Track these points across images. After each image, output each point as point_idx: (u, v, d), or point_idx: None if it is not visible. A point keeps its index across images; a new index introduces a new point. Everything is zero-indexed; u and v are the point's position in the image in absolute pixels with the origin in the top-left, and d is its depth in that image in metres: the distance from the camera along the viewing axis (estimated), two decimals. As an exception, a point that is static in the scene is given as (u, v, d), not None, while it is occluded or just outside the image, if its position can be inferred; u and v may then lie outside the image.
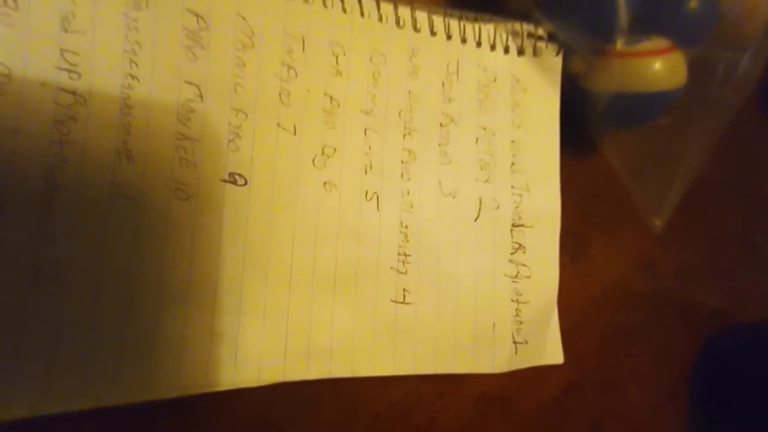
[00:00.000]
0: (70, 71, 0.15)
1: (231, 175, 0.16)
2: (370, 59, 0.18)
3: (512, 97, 0.20)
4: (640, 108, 0.20)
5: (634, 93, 0.20)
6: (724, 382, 0.27)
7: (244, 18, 0.17)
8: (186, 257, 0.16)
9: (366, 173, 0.18)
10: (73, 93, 0.15)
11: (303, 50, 0.17)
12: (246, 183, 0.16)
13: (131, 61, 0.15)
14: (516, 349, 0.19)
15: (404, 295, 0.18)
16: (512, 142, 0.20)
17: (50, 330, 0.14)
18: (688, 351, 0.27)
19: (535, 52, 0.21)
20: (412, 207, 0.19)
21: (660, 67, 0.20)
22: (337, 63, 0.18)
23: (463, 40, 0.20)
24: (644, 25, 0.19)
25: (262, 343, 0.16)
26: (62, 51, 0.14)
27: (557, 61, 0.21)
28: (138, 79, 0.15)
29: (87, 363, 0.14)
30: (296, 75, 0.17)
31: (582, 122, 0.21)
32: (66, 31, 0.14)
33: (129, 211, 0.15)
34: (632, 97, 0.20)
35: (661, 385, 0.26)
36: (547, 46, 0.21)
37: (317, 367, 0.17)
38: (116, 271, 0.15)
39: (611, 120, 0.21)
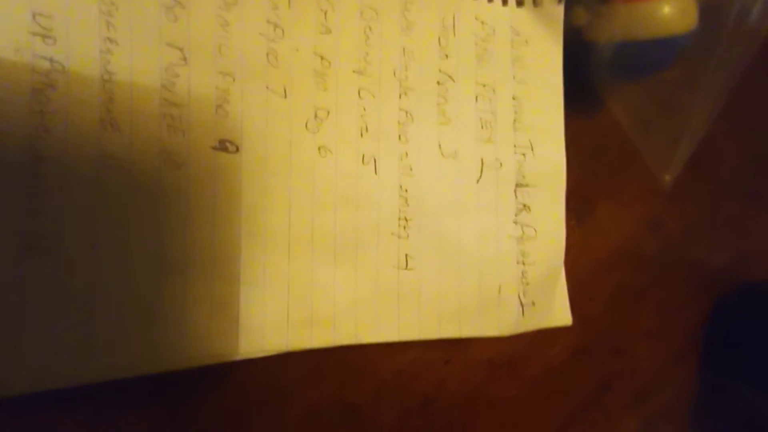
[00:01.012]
0: (44, 36, 0.14)
1: (221, 142, 0.16)
2: (361, 14, 0.18)
3: (512, 51, 0.19)
4: (649, 56, 0.19)
5: (642, 40, 0.19)
6: (733, 343, 0.26)
7: (225, -27, 0.16)
8: (180, 227, 0.15)
9: (362, 136, 0.17)
10: (50, 59, 0.14)
11: (289, 6, 0.17)
12: (237, 150, 0.16)
13: (108, 23, 0.15)
14: (523, 311, 0.19)
15: (406, 261, 0.18)
16: (513, 98, 0.19)
17: (48, 305, 0.14)
18: (697, 312, 0.26)
19: (535, 2, 0.20)
20: (411, 170, 0.18)
21: (669, 10, 0.18)
22: (325, 19, 0.17)
23: (459, -8, 0.19)
24: (652, -35, 0.18)
25: (264, 312, 0.16)
26: (34, 14, 0.14)
27: (559, 11, 0.20)
28: (117, 43, 0.15)
29: (88, 336, 0.14)
30: (283, 34, 0.17)
31: (586, 78, 0.20)
32: None
33: (119, 182, 0.15)
34: (640, 45, 0.19)
35: (670, 346, 0.26)
36: (548, -5, 0.20)
37: (321, 336, 0.17)
38: (111, 243, 0.14)
39: (618, 72, 0.20)
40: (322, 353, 0.18)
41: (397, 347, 0.19)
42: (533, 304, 0.19)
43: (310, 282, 0.17)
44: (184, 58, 0.15)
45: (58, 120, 0.14)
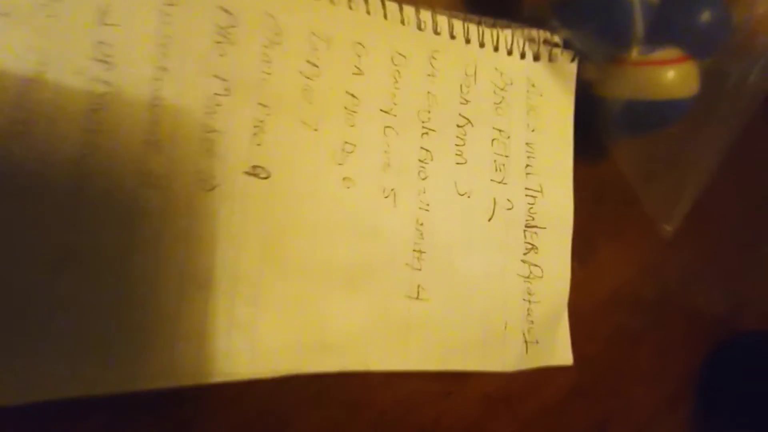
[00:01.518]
0: (103, 62, 0.15)
1: (254, 168, 0.17)
2: (392, 60, 0.19)
3: (527, 100, 0.21)
4: (653, 115, 0.21)
5: (647, 100, 0.20)
6: (729, 389, 0.27)
7: (272, 16, 0.17)
8: (208, 247, 0.16)
9: (384, 171, 0.18)
10: (107, 83, 0.15)
11: (327, 48, 0.18)
12: (268, 176, 0.17)
13: (163, 54, 0.16)
14: (527, 348, 0.20)
15: (418, 291, 0.18)
16: (527, 144, 0.21)
17: (74, 315, 0.14)
18: (694, 357, 0.27)
19: (551, 59, 0.21)
20: (428, 205, 0.19)
21: (673, 75, 0.20)
22: (359, 62, 0.18)
23: (482, 45, 0.20)
24: (659, 35, 0.20)
25: (279, 334, 0.16)
26: (98, 43, 0.15)
27: (572, 68, 0.21)
28: (168, 71, 0.16)
29: (111, 348, 0.15)
30: (320, 73, 0.18)
31: (592, 129, 0.22)
32: (103, 24, 0.15)
33: (154, 200, 0.15)
34: (645, 105, 0.20)
35: (667, 390, 0.26)
36: (562, 53, 0.21)
37: (331, 360, 0.17)
38: (141, 260, 0.15)
39: (624, 127, 0.21)
40: (325, 381, 0.18)
41: (397, 378, 0.19)
42: (537, 342, 0.20)
43: (324, 308, 0.17)
44: (228, 90, 0.16)
45: (107, 139, 0.15)
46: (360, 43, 0.18)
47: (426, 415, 0.20)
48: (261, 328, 0.16)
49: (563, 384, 0.23)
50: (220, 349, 0.16)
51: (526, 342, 0.20)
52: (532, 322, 0.20)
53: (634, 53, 0.20)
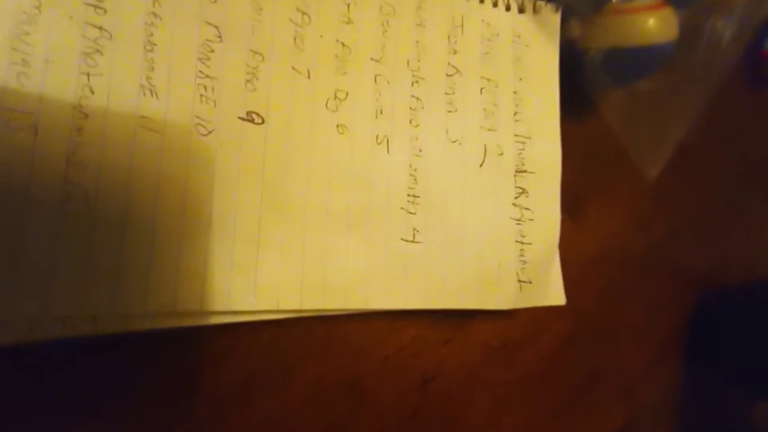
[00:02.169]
0: (96, 7, 0.15)
1: (249, 113, 0.17)
2: (380, 9, 0.19)
3: (514, 51, 0.21)
4: (635, 62, 0.21)
5: (629, 47, 0.21)
6: (716, 343, 0.27)
7: (261, -36, 0.17)
8: (206, 191, 0.16)
9: (376, 117, 0.19)
10: (99, 27, 0.15)
11: (317, -3, 0.18)
12: (263, 122, 0.17)
13: (155, 1, 0.16)
14: (521, 287, 0.20)
15: (414, 234, 0.19)
16: (515, 93, 0.21)
17: (81, 251, 0.14)
18: (681, 310, 0.28)
19: (535, 10, 0.22)
20: (420, 152, 0.19)
21: (654, 22, 0.21)
22: (348, 11, 0.19)
23: (468, -3, 0.21)
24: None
25: (280, 274, 0.17)
26: None
27: (556, 18, 0.22)
28: (161, 18, 0.16)
29: (116, 286, 0.15)
30: (310, 21, 0.18)
31: (579, 84, 0.22)
32: None
33: (153, 144, 0.16)
34: (628, 52, 0.21)
35: (655, 343, 0.27)
36: (546, 5, 0.22)
37: (333, 300, 0.17)
38: (142, 200, 0.15)
39: (609, 76, 0.22)
40: (329, 327, 0.18)
41: (400, 325, 0.19)
42: (530, 281, 0.20)
43: (323, 250, 0.17)
44: (220, 36, 0.17)
45: (103, 82, 0.15)
46: (348, -8, 0.19)
47: (428, 360, 0.20)
48: (261, 268, 0.16)
49: (557, 332, 0.23)
50: (221, 288, 0.16)
51: (520, 281, 0.20)
52: (525, 262, 0.20)
53: (615, 2, 0.21)
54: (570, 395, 0.24)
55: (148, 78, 0.16)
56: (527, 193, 0.21)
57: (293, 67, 0.18)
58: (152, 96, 0.16)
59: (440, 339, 0.21)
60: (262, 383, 0.17)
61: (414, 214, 0.19)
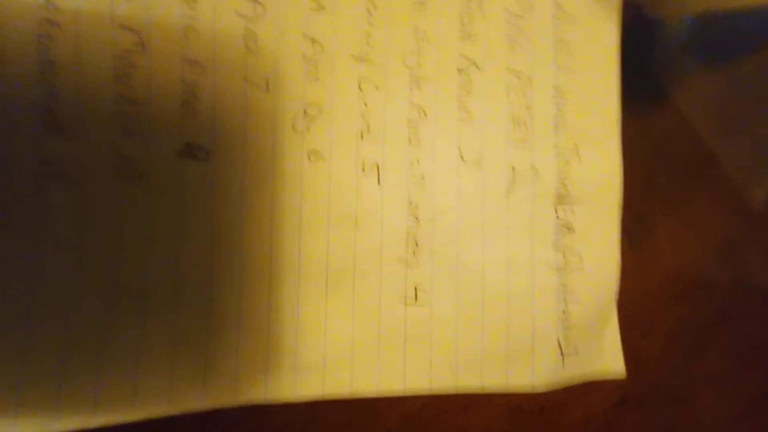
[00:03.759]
0: None
1: (188, 146, 0.14)
2: (363, -13, 0.15)
3: (554, 31, 0.17)
4: (735, 32, 0.17)
5: (726, 11, 0.16)
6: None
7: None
8: (139, 251, 0.13)
9: (362, 138, 0.16)
10: None
11: (272, -23, 0.15)
12: (207, 156, 0.14)
13: (48, 1, 0.13)
14: (563, 361, 0.17)
15: (416, 294, 0.16)
16: (555, 89, 0.17)
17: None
18: (778, 353, 0.24)
19: (585, -30, 0.17)
20: (423, 180, 0.16)
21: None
22: (318, -7, 0.15)
23: (487, -42, 0.16)
24: None
25: (237, 355, 0.14)
26: None
27: (616, -20, 0.17)
28: (60, 27, 0.13)
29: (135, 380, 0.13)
30: (264, 11, 0.15)
31: (647, 66, 0.18)
32: None
33: (65, 194, 0.13)
34: (724, 18, 0.16)
35: (743, 397, 0.24)
36: (601, -40, 0.17)
37: (306, 385, 0.15)
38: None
39: (694, 55, 0.18)
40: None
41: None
42: (576, 351, 0.17)
43: (295, 319, 0.15)
44: (142, 44, 0.13)
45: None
46: (317, -33, 0.15)
47: (443, 432, 0.18)
48: (214, 348, 0.14)
49: (611, 392, 0.20)
50: (164, 375, 0.13)
51: (562, 353, 0.17)
52: (570, 326, 0.17)
53: (709, -53, 0.15)
54: (628, 469, 0.22)
55: (49, 110, 0.13)
56: (573, 230, 0.17)
57: (245, 78, 0.14)
58: (58, 133, 0.13)
59: (457, 406, 0.18)
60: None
61: (415, 266, 0.16)
